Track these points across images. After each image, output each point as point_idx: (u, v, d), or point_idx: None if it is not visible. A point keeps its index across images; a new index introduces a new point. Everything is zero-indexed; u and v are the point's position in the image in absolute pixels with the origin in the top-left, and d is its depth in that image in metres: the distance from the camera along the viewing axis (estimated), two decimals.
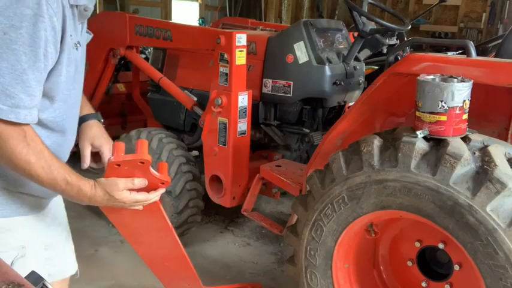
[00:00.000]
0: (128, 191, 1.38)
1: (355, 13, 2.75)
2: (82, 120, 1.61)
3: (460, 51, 3.77)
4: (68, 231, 1.74)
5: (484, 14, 10.27)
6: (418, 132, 1.72)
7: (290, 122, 3.04)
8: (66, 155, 1.53)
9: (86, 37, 1.54)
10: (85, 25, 1.49)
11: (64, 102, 1.40)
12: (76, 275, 1.82)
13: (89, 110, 1.66)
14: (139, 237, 1.87)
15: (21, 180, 1.37)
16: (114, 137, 3.45)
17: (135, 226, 1.74)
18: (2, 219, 1.40)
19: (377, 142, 1.83)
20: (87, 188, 1.35)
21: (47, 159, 1.29)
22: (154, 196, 1.45)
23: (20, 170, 1.28)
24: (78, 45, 1.40)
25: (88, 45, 1.57)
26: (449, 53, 3.64)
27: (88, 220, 3.60)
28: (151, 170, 1.40)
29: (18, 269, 1.21)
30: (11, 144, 1.23)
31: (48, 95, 1.33)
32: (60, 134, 1.43)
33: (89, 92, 3.53)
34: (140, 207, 1.48)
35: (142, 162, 1.36)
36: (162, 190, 1.47)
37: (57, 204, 1.64)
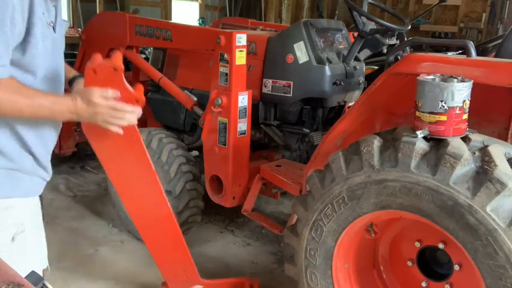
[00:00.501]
0: (104, 98, 1.49)
1: (355, 13, 2.75)
2: (72, 81, 1.71)
3: (460, 51, 3.76)
4: (42, 224, 1.79)
5: (484, 14, 10.27)
6: (418, 132, 1.72)
7: (290, 122, 3.04)
8: (53, 134, 1.65)
9: (64, 25, 1.66)
10: (59, 10, 1.60)
11: (47, 81, 1.52)
12: (48, 269, 1.83)
13: (75, 73, 1.77)
14: (122, 175, 1.94)
15: (18, 156, 1.50)
16: None
17: (118, 159, 1.85)
18: (3, 200, 1.49)
19: (377, 142, 1.83)
20: (69, 102, 1.47)
21: (29, 93, 1.41)
22: (131, 110, 1.55)
23: (13, 112, 1.40)
24: (52, 25, 1.52)
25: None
26: (449, 53, 3.64)
27: (88, 220, 3.61)
28: (126, 83, 1.53)
29: (19, 243, 1.52)
30: None
31: (29, 70, 1.45)
32: None
33: None
34: (120, 130, 1.58)
35: (116, 69, 1.51)
36: (138, 109, 1.57)
37: (37, 201, 1.70)
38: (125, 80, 1.52)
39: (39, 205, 1.71)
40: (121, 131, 1.59)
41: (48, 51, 1.49)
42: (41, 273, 1.65)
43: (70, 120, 1.54)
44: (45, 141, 1.60)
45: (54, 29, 1.54)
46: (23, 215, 1.58)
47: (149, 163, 1.84)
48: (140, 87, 1.56)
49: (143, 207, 2.02)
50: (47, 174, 1.65)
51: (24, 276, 1.15)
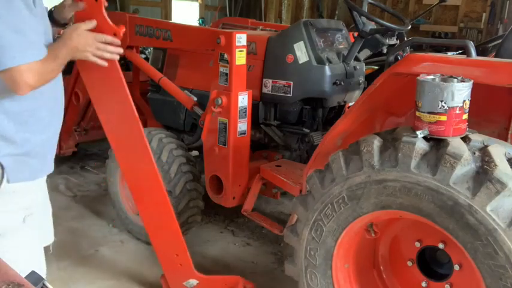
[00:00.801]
0: (88, 31, 1.72)
1: (355, 13, 2.75)
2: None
3: (460, 51, 3.76)
4: (49, 203, 1.97)
5: (484, 14, 10.27)
6: (418, 132, 1.72)
7: (290, 122, 3.03)
8: (57, 120, 1.83)
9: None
10: None
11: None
12: (52, 245, 2.00)
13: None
14: (108, 113, 2.13)
15: (27, 143, 1.64)
16: None
17: (104, 95, 2.07)
18: (12, 184, 1.61)
19: (377, 142, 1.83)
20: (65, 42, 1.66)
21: (47, 61, 1.60)
22: (111, 41, 1.76)
23: (50, 76, 1.62)
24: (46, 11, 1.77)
25: None
26: (449, 53, 3.64)
27: (88, 220, 3.61)
28: (105, 15, 1.79)
29: (29, 225, 1.66)
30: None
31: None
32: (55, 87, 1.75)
33: None
34: (104, 63, 1.78)
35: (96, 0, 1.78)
36: (117, 41, 1.78)
37: (44, 182, 1.85)
38: (105, 12, 1.79)
39: (45, 183, 1.87)
40: (105, 63, 1.78)
41: (48, 32, 1.73)
42: (46, 248, 1.91)
43: (72, 59, 1.72)
44: (49, 126, 1.76)
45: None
46: (32, 196, 1.72)
47: (129, 100, 2.03)
48: (121, 27, 1.81)
49: (130, 155, 2.18)
50: (52, 156, 1.82)
51: (28, 254, 1.46)
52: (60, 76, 1.79)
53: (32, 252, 1.77)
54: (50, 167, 1.82)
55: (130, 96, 2.03)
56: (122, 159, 2.22)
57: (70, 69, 3.75)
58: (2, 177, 1.60)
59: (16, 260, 1.37)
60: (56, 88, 1.79)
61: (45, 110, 1.72)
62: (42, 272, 1.86)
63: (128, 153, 2.19)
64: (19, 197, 1.66)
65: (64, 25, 1.94)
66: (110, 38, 1.75)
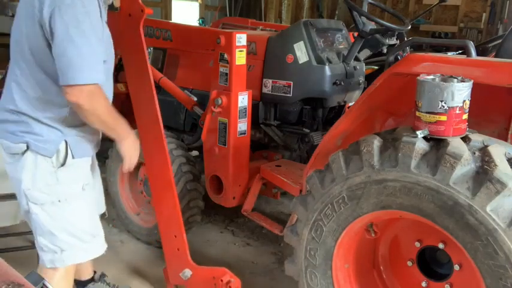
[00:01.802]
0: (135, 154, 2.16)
1: (355, 13, 2.75)
2: None
3: (460, 51, 3.76)
4: (100, 176, 2.39)
5: (484, 14, 10.27)
6: (418, 132, 1.72)
7: (290, 122, 3.03)
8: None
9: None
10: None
11: (110, 62, 2.05)
12: (105, 214, 2.50)
13: None
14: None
15: (87, 128, 1.98)
16: None
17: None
18: (77, 159, 1.95)
19: (377, 142, 1.83)
20: (129, 139, 2.08)
21: (113, 110, 1.94)
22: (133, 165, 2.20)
23: (101, 116, 1.87)
24: (105, 22, 2.00)
25: None
26: (449, 53, 3.64)
27: None
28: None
29: (87, 192, 2.05)
30: (99, 99, 1.83)
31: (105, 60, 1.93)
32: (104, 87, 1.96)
33: None
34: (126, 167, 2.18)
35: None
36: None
37: (94, 158, 2.26)
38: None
39: (95, 159, 2.27)
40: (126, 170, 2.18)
41: (109, 40, 2.02)
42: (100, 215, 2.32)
43: (117, 137, 2.06)
44: None
45: (105, 20, 2.00)
46: (88, 169, 2.07)
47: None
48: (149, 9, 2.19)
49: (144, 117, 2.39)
50: (99, 138, 2.17)
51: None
52: (111, 71, 2.09)
53: (90, 215, 2.08)
54: (99, 145, 2.19)
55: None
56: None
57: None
58: (66, 153, 1.92)
59: (77, 221, 1.98)
60: (107, 77, 2.02)
61: None
62: (101, 233, 2.17)
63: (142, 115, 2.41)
64: (80, 170, 1.98)
65: (115, 9, 2.31)
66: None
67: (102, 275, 2.73)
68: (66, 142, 1.91)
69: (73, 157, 1.93)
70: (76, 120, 1.91)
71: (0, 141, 1.92)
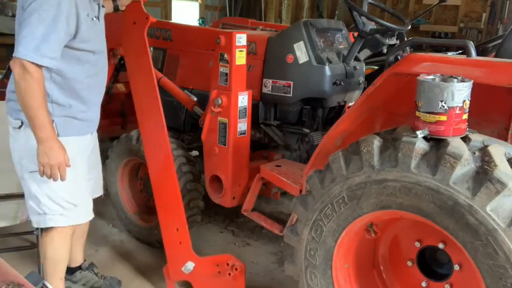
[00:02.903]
0: (56, 166, 2.08)
1: (355, 13, 2.75)
2: None
3: (460, 51, 3.76)
4: (100, 161, 2.65)
5: (484, 14, 10.26)
6: (418, 132, 1.72)
7: (290, 122, 3.03)
8: (98, 99, 2.39)
9: (104, 8, 2.35)
10: (101, 2, 2.27)
11: (101, 54, 2.29)
12: (101, 196, 2.70)
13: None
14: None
15: (75, 109, 2.21)
16: (114, 137, 3.47)
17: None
18: (62, 138, 2.12)
19: (377, 142, 1.83)
20: (53, 142, 2.05)
21: (42, 99, 2.00)
22: (61, 174, 2.13)
23: (24, 99, 1.97)
24: (96, 18, 2.21)
25: None
26: (449, 53, 3.64)
27: None
28: (142, 5, 2.39)
29: (74, 169, 2.18)
30: (30, 79, 1.94)
31: (88, 50, 2.17)
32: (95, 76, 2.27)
33: None
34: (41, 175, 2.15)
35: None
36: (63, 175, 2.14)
37: (94, 138, 2.50)
38: (142, 4, 2.41)
39: (92, 144, 2.47)
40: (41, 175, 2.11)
41: (96, 36, 2.22)
42: (93, 198, 2.49)
43: (35, 129, 2.03)
44: (91, 106, 2.31)
45: (98, 18, 2.23)
46: (76, 149, 2.23)
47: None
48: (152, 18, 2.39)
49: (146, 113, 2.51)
50: (94, 123, 2.40)
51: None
52: (103, 64, 2.32)
53: (74, 186, 2.26)
54: (94, 129, 2.42)
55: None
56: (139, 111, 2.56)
57: None
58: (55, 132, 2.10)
59: (59, 190, 2.21)
60: (97, 68, 2.27)
61: (87, 89, 2.23)
62: (83, 204, 2.37)
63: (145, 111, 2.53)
64: (67, 147, 2.12)
65: (117, 10, 2.52)
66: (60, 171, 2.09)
67: (91, 265, 2.78)
68: (53, 122, 2.11)
69: (59, 135, 2.11)
70: (62, 101, 2.16)
71: (7, 117, 2.24)
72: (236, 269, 2.39)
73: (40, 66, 1.96)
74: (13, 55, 1.94)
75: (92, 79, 2.26)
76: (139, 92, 2.43)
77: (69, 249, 2.42)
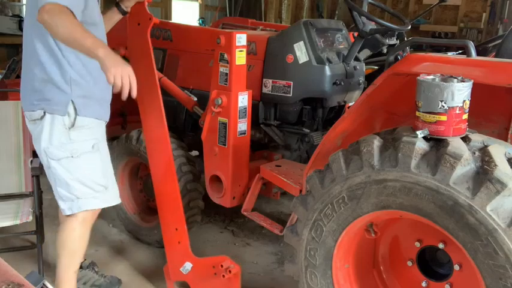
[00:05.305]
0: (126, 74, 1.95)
1: (355, 13, 2.75)
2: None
3: (460, 51, 3.77)
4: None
5: (484, 14, 10.27)
6: (418, 132, 1.72)
7: (290, 122, 3.03)
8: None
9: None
10: None
11: (102, 29, 2.34)
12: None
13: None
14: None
15: (90, 89, 2.23)
16: (114, 137, 3.46)
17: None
18: (81, 118, 2.20)
19: (377, 142, 1.83)
20: (108, 51, 1.92)
21: (79, 24, 1.95)
22: (131, 81, 2.02)
23: (68, 29, 1.91)
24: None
25: None
26: (449, 53, 3.64)
27: None
28: (146, 6, 2.39)
29: (97, 151, 2.31)
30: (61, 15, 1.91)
31: (92, 23, 2.17)
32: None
33: None
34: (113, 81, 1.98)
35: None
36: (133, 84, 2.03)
37: (104, 128, 2.45)
38: (146, 5, 2.40)
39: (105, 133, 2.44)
40: (113, 82, 1.95)
41: (98, 11, 2.28)
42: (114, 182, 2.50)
43: (89, 50, 1.92)
44: (103, 89, 2.30)
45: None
46: (97, 131, 2.31)
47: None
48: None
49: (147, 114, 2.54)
50: (108, 108, 2.40)
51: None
52: (102, 38, 2.28)
53: (102, 169, 2.34)
54: (106, 116, 2.40)
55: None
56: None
57: None
58: (76, 114, 2.19)
59: (89, 173, 2.28)
60: None
61: (97, 69, 2.05)
62: (113, 187, 2.43)
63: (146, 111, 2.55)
64: (89, 130, 2.23)
65: (125, 13, 2.49)
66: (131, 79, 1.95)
67: (92, 264, 2.78)
68: (72, 102, 2.17)
69: (79, 115, 2.19)
70: (78, 81, 2.19)
71: (25, 113, 2.28)
72: (230, 271, 2.39)
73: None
74: (39, 6, 1.91)
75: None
76: (143, 91, 2.44)
77: (87, 239, 2.43)
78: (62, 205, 2.30)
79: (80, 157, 2.25)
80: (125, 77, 1.89)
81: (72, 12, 1.94)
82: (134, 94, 1.94)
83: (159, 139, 2.50)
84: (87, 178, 2.27)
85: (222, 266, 2.42)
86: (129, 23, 2.46)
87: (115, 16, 2.54)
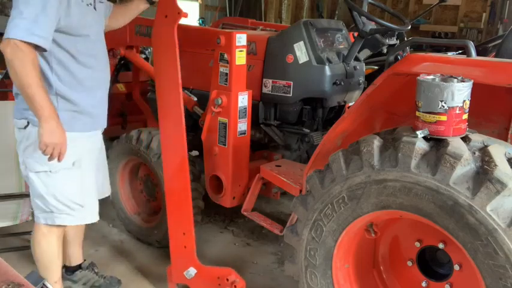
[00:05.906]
0: (56, 148, 2.04)
1: (355, 13, 2.75)
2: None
3: (460, 51, 3.76)
4: (106, 162, 2.64)
5: (484, 14, 10.27)
6: (418, 132, 1.72)
7: (290, 122, 3.03)
8: (104, 96, 2.39)
9: (104, 2, 2.37)
10: None
11: (98, 42, 2.29)
12: (109, 197, 2.76)
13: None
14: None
15: (80, 103, 2.19)
16: (114, 137, 3.46)
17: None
18: (70, 133, 2.09)
19: (377, 142, 1.83)
20: (49, 113, 1.98)
21: (37, 77, 1.96)
22: (61, 155, 2.10)
23: (20, 76, 1.94)
24: (91, 5, 2.21)
25: None
26: (449, 53, 3.64)
27: None
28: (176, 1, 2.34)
29: (78, 168, 2.24)
30: (23, 57, 1.91)
31: (79, 35, 2.13)
32: (90, 69, 2.22)
33: None
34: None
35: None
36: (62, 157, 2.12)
37: (100, 138, 2.47)
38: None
39: (100, 143, 2.47)
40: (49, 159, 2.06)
41: (93, 23, 2.22)
42: (98, 198, 2.48)
43: (36, 109, 1.98)
44: (97, 100, 2.30)
45: (95, 8, 2.24)
46: (81, 146, 2.23)
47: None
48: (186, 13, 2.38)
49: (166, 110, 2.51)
50: (101, 119, 2.37)
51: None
52: (104, 47, 2.34)
53: (80, 187, 2.28)
54: (102, 125, 2.40)
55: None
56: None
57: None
58: None
59: (65, 190, 2.22)
60: (98, 58, 2.27)
61: (89, 80, 2.20)
62: (90, 205, 2.36)
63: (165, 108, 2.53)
64: (71, 146, 2.10)
65: (152, 3, 2.52)
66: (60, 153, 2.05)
67: (91, 264, 2.78)
68: (58, 116, 2.11)
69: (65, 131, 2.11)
70: (67, 94, 2.15)
71: (14, 120, 2.25)
72: (235, 286, 2.38)
73: (32, 46, 1.93)
74: (3, 37, 1.91)
75: (94, 70, 2.25)
76: (164, 84, 2.43)
77: (57, 249, 2.38)
78: (38, 214, 2.29)
79: (58, 173, 2.19)
80: (56, 149, 2.02)
81: (36, 55, 1.95)
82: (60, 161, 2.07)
83: (176, 138, 2.44)
84: (62, 195, 2.23)
85: (227, 279, 2.40)
86: (157, 14, 2.43)
87: (141, 5, 2.52)
